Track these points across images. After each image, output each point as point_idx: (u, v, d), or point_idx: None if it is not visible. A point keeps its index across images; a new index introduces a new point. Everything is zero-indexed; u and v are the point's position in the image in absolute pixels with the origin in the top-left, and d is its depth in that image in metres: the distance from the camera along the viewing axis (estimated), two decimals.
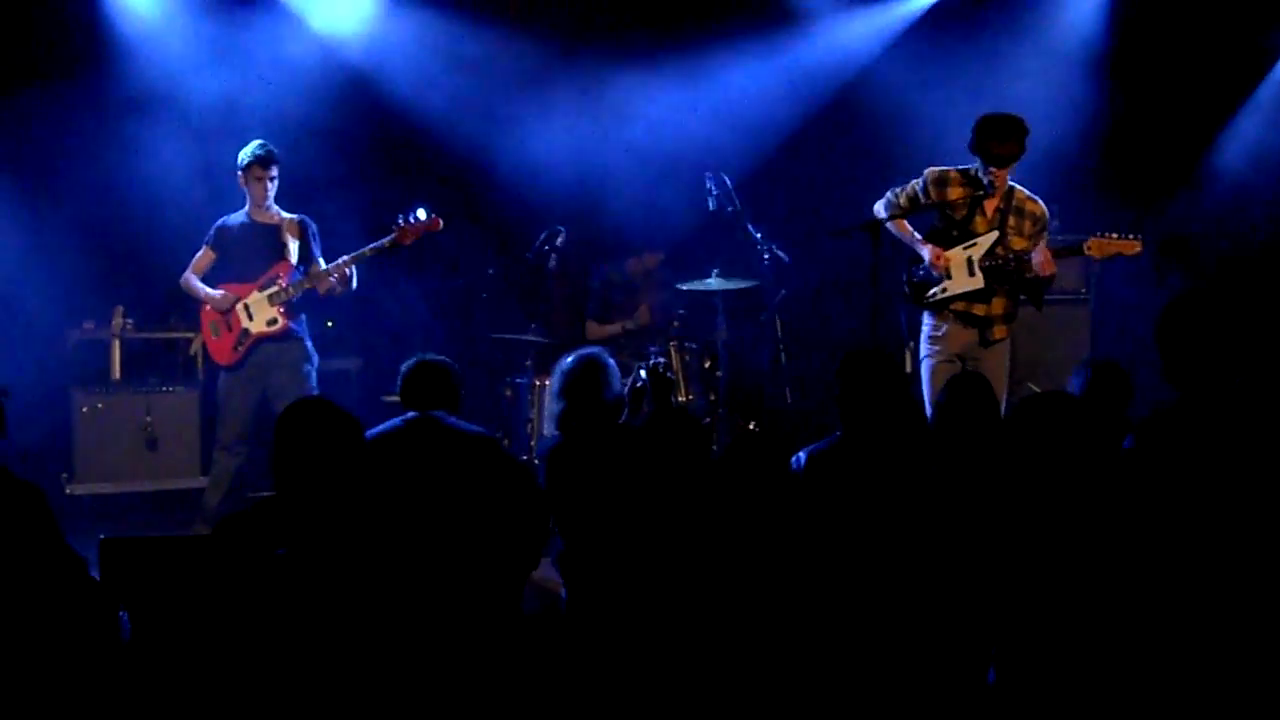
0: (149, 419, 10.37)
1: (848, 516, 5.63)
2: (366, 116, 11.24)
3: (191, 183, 10.42)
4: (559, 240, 10.50)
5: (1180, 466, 5.04)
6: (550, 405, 7.07)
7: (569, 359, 7.08)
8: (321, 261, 9.32)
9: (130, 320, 10.63)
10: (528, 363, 10.28)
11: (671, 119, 11.35)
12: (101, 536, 6.14)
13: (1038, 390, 9.44)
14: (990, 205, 8.79)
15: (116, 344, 10.59)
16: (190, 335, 10.61)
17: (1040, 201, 8.85)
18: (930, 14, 11.61)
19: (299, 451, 4.97)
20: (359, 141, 11.14)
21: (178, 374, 10.64)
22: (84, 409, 10.30)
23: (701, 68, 11.52)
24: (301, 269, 9.32)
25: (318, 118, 10.76)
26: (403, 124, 11.29)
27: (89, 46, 10.52)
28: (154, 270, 10.55)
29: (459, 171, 11.30)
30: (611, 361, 7.05)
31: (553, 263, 10.55)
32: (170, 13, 10.68)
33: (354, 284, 9.31)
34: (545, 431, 7.25)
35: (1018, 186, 8.84)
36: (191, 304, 9.77)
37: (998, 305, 8.82)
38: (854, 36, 11.66)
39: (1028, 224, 8.79)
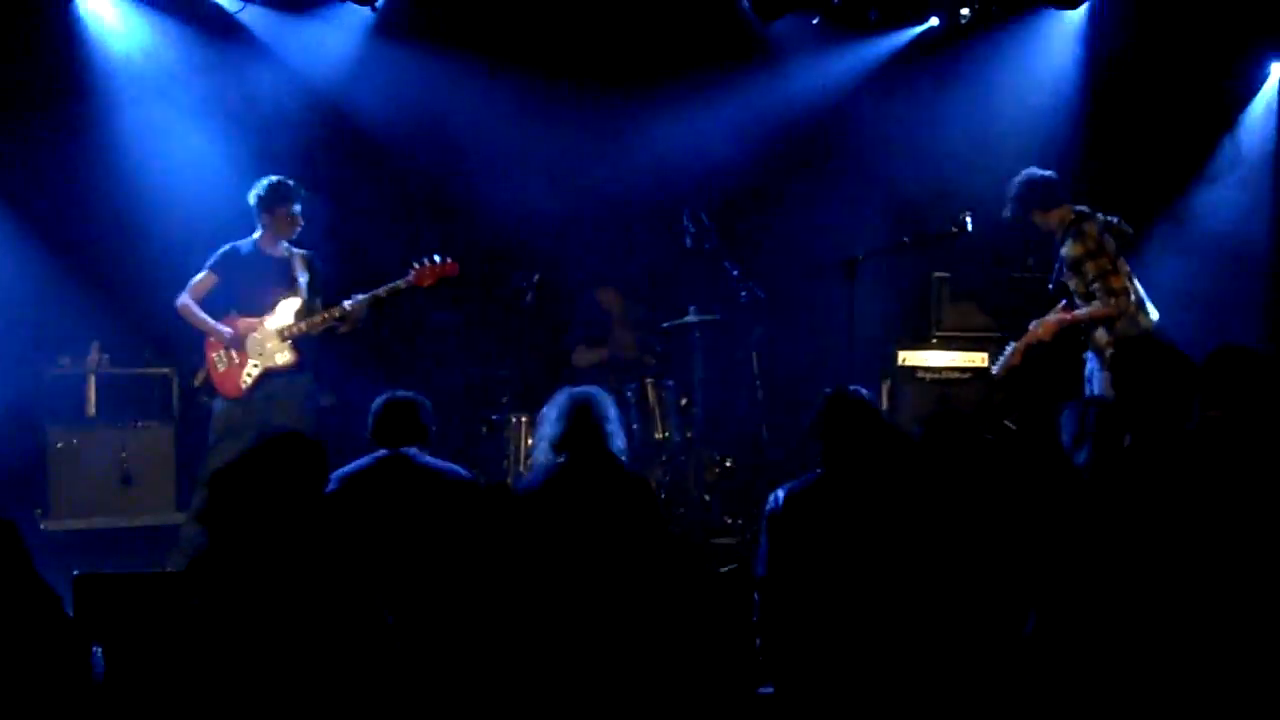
0: (124, 455, 10.34)
1: (829, 554, 5.63)
2: (344, 154, 11.24)
3: (169, 217, 10.40)
4: (535, 277, 10.50)
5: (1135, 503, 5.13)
6: (547, 428, 6.93)
7: (577, 389, 6.98)
8: (318, 303, 9.32)
9: (106, 355, 10.59)
10: (504, 399, 10.26)
11: (649, 156, 11.36)
12: (75, 572, 6.12)
13: (1014, 428, 9.55)
14: None
15: (92, 379, 10.55)
16: (167, 370, 10.59)
17: (1073, 241, 9.01)
18: (907, 49, 11.67)
19: (276, 485, 4.97)
20: (335, 178, 11.11)
21: (154, 409, 10.59)
22: (59, 444, 10.25)
23: (679, 104, 11.55)
24: (310, 306, 9.25)
25: (294, 154, 10.72)
26: (378, 161, 11.29)
27: (67, 80, 10.53)
28: (131, 305, 10.55)
29: (434, 208, 11.31)
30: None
31: (529, 299, 10.54)
32: (149, 47, 10.69)
33: (361, 323, 9.30)
34: (536, 459, 7.09)
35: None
36: (171, 339, 9.75)
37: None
38: (832, 73, 11.71)
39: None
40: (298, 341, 9.20)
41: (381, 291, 9.22)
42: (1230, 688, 4.51)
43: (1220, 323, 10.47)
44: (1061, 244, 9.07)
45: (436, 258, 9.27)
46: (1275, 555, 4.96)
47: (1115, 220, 9.26)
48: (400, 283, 9.23)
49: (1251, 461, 5.34)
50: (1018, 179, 9.22)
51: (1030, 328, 9.21)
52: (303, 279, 9.30)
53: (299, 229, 9.32)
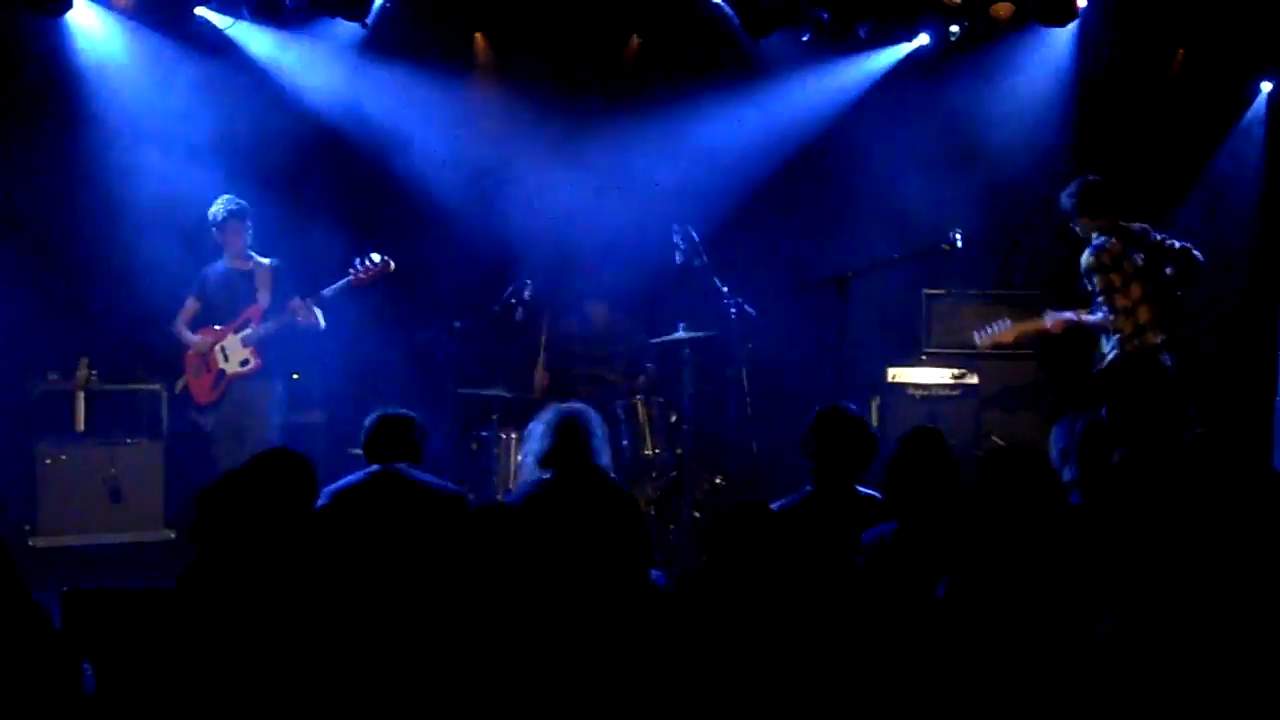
0: (113, 471, 10.32)
1: (821, 571, 5.61)
2: (337, 167, 11.25)
3: (158, 233, 10.38)
4: (526, 294, 10.48)
5: (1125, 521, 5.12)
6: (534, 444, 6.92)
7: (564, 405, 6.99)
8: (298, 300, 9.66)
9: (95, 371, 10.56)
10: (494, 416, 10.23)
11: (640, 172, 11.33)
12: (64, 589, 6.09)
13: (1002, 443, 9.54)
14: None
15: (81, 395, 10.52)
16: (155, 387, 10.58)
17: (1090, 253, 9.18)
18: (897, 69, 11.63)
19: (264, 502, 4.96)
20: (330, 192, 11.14)
21: (142, 426, 10.57)
22: (47, 461, 10.23)
23: (671, 120, 11.53)
24: (274, 312, 9.67)
25: (289, 168, 10.83)
26: (372, 175, 11.26)
27: (57, 94, 10.55)
28: (119, 321, 10.55)
29: (426, 223, 11.29)
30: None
31: (519, 315, 10.52)
32: (141, 63, 10.72)
33: (321, 324, 9.69)
34: (524, 476, 7.08)
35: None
36: (156, 355, 10.07)
37: None
38: (823, 90, 11.67)
39: None
40: (261, 347, 9.67)
41: (326, 292, 9.66)
42: (1221, 703, 4.51)
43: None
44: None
45: (376, 257, 9.68)
46: (1263, 574, 4.96)
47: (1177, 245, 9.21)
48: (341, 283, 9.67)
49: (1238, 478, 5.35)
50: (1078, 179, 9.32)
51: (1044, 316, 9.24)
52: (265, 288, 9.79)
53: (247, 241, 9.82)
